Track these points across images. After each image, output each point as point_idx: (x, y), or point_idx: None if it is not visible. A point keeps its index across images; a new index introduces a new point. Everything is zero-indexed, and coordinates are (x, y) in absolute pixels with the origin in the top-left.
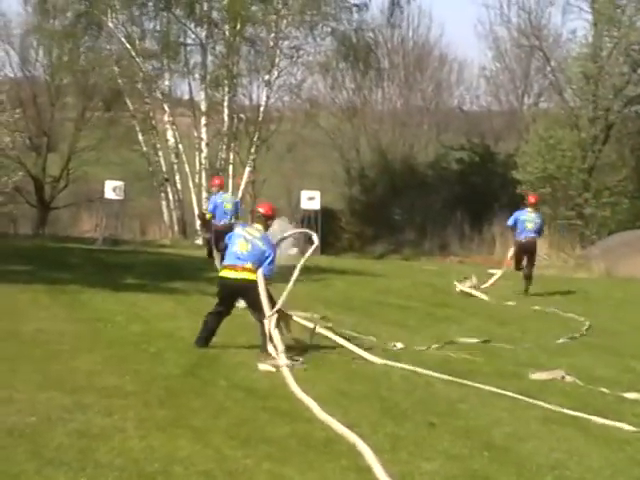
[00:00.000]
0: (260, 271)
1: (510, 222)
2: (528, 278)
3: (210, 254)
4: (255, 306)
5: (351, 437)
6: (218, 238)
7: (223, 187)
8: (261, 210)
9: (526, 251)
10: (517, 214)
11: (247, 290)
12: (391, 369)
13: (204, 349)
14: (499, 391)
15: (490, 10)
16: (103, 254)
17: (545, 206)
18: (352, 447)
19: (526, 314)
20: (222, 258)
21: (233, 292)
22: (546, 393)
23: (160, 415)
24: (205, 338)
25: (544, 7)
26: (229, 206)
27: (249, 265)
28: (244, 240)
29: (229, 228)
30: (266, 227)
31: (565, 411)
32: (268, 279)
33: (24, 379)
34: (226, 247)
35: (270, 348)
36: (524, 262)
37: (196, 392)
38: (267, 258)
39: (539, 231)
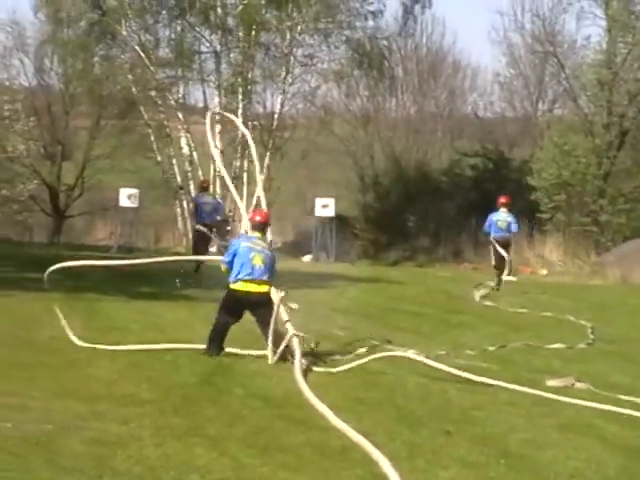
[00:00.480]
0: (273, 290)
1: (486, 226)
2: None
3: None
4: (266, 320)
5: (367, 445)
6: (196, 238)
7: (208, 189)
8: (258, 218)
9: (501, 247)
10: (490, 217)
11: (262, 304)
12: (405, 377)
13: (219, 357)
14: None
15: (504, 17)
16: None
17: (560, 213)
18: (368, 455)
19: (539, 321)
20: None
21: (248, 305)
22: (561, 401)
23: (176, 423)
24: (218, 347)
25: (558, 14)
26: (209, 208)
27: (266, 277)
28: (258, 253)
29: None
30: (263, 234)
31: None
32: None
33: (40, 387)
34: (230, 263)
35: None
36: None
37: (212, 400)
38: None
39: (510, 229)
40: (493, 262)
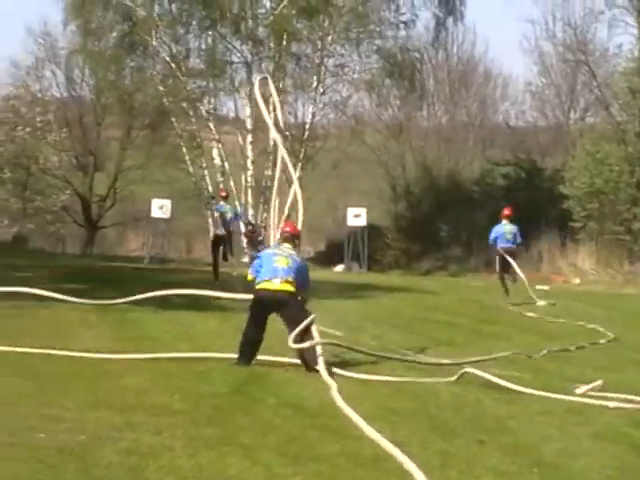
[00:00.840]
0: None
1: (492, 238)
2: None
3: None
4: (294, 320)
5: (400, 455)
6: (214, 244)
7: (227, 198)
8: (288, 229)
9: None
10: (496, 229)
11: (286, 303)
12: (439, 386)
13: (252, 367)
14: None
15: (535, 26)
16: (150, 273)
17: (592, 221)
18: (401, 465)
19: (572, 330)
20: (215, 266)
21: (271, 305)
22: (595, 410)
23: (208, 433)
24: (248, 359)
25: (590, 22)
26: (229, 216)
27: (291, 278)
28: (282, 256)
29: (221, 237)
30: (294, 246)
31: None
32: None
33: (74, 398)
34: (257, 272)
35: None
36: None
37: (244, 410)
38: (305, 277)
39: (515, 241)
40: (498, 271)
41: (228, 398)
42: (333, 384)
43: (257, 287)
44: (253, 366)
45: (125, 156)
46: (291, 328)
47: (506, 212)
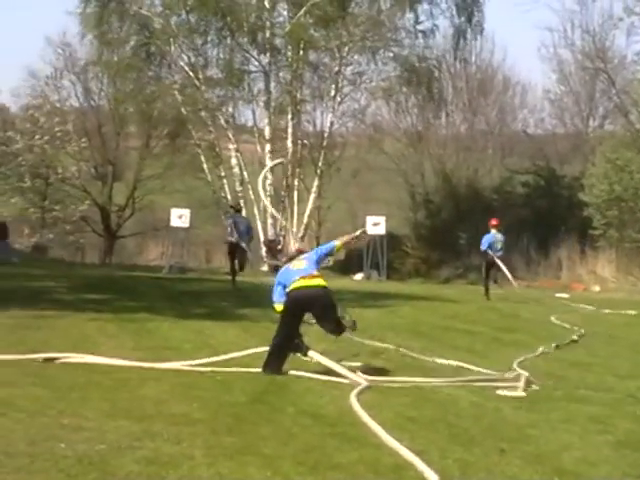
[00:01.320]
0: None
1: (485, 246)
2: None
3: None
4: (328, 314)
5: (419, 463)
6: (230, 253)
7: (241, 211)
8: (296, 249)
9: (495, 265)
10: (487, 238)
11: (321, 297)
12: (458, 394)
13: (271, 375)
14: None
15: (554, 33)
16: (169, 282)
17: (612, 229)
18: (420, 474)
19: (593, 338)
20: (233, 273)
21: (306, 303)
22: (616, 418)
23: (228, 442)
24: (273, 369)
25: (608, 29)
26: (242, 227)
27: (316, 272)
28: (297, 261)
29: (236, 245)
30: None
31: None
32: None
33: (93, 407)
34: (279, 295)
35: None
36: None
37: (264, 419)
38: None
39: (502, 249)
40: (484, 276)
41: (247, 407)
42: (363, 382)
43: (289, 289)
44: (271, 375)
45: (144, 165)
46: (328, 323)
47: (494, 222)
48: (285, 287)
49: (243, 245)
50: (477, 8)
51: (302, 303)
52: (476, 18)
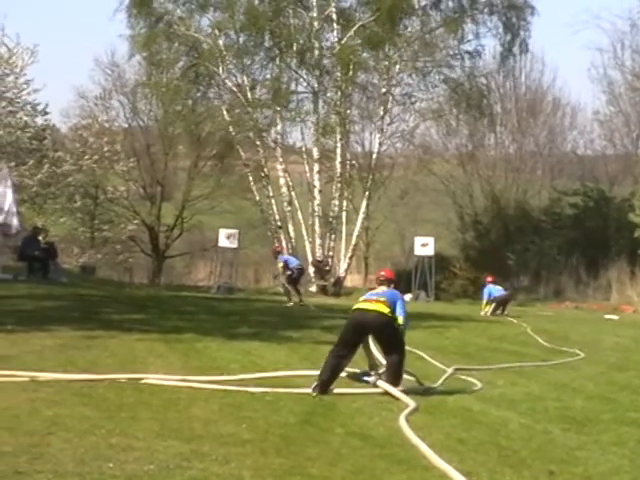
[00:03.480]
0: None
1: (486, 297)
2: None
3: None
4: (389, 345)
5: None
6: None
7: (282, 252)
8: (384, 273)
9: (502, 303)
10: (487, 290)
11: (381, 326)
12: (508, 416)
13: (320, 396)
14: None
15: (604, 54)
16: (217, 302)
17: None
18: None
19: None
20: (297, 293)
21: (364, 326)
22: None
23: (277, 463)
24: (322, 385)
25: None
26: (294, 261)
27: (383, 299)
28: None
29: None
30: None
31: None
32: (403, 329)
33: (143, 427)
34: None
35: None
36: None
37: (312, 440)
38: (401, 307)
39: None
40: (492, 310)
41: (296, 428)
42: (412, 403)
43: (353, 308)
44: (320, 396)
45: (192, 186)
46: (385, 351)
47: (489, 279)
48: None
49: (283, 282)
50: (524, 25)
51: (358, 326)
52: (522, 36)
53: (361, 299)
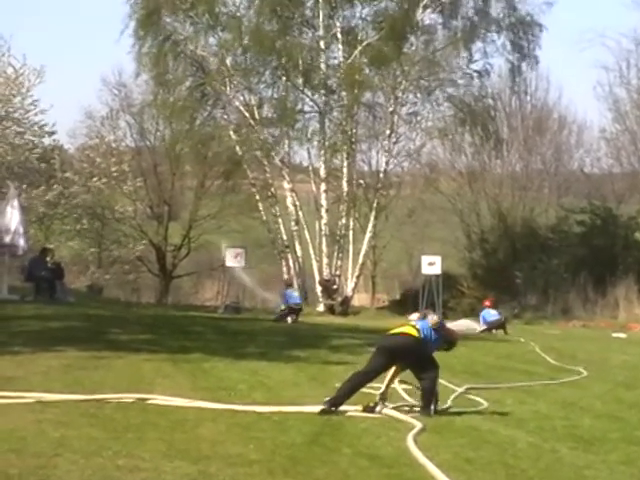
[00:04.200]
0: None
1: (482, 322)
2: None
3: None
4: (418, 365)
5: None
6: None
7: (292, 285)
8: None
9: (496, 327)
10: (484, 315)
11: (411, 347)
12: (516, 435)
13: (327, 416)
14: None
15: (609, 72)
16: (225, 322)
17: None
18: None
19: None
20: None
21: (393, 349)
22: None
23: None
24: (335, 401)
25: None
26: (296, 296)
27: (415, 324)
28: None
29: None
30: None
31: None
32: (434, 348)
33: (150, 448)
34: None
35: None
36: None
37: (320, 460)
38: (432, 333)
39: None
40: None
41: (304, 448)
42: (418, 424)
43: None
44: (328, 416)
45: (199, 205)
46: (418, 375)
47: (487, 303)
48: None
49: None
50: (533, 40)
51: (388, 349)
52: (530, 51)
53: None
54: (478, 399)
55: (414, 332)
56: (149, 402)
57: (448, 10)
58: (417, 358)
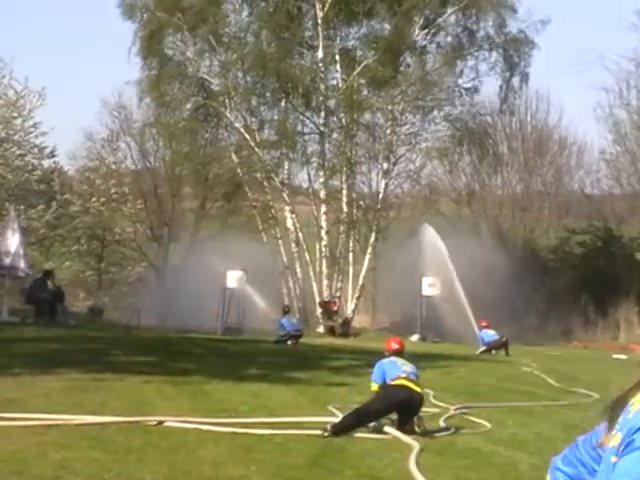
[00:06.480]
0: None
1: (481, 342)
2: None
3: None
4: (410, 419)
5: None
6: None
7: (290, 312)
8: (397, 346)
9: (495, 347)
10: (482, 335)
11: (418, 405)
12: (518, 457)
13: (329, 438)
14: None
15: (609, 93)
16: (225, 344)
17: None
18: None
19: None
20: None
21: (410, 404)
22: None
23: None
24: (341, 429)
25: None
26: (294, 322)
27: (416, 379)
28: (404, 364)
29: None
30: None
31: None
32: None
33: (151, 470)
34: (380, 379)
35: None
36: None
37: None
38: None
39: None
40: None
41: (305, 470)
42: (416, 445)
43: (397, 383)
44: (329, 438)
45: (200, 227)
46: (403, 422)
47: (484, 324)
48: (385, 373)
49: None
50: (524, 57)
51: (402, 400)
52: (522, 68)
53: (402, 375)
54: (481, 421)
55: (419, 389)
56: (165, 425)
57: (442, 29)
58: (416, 412)
